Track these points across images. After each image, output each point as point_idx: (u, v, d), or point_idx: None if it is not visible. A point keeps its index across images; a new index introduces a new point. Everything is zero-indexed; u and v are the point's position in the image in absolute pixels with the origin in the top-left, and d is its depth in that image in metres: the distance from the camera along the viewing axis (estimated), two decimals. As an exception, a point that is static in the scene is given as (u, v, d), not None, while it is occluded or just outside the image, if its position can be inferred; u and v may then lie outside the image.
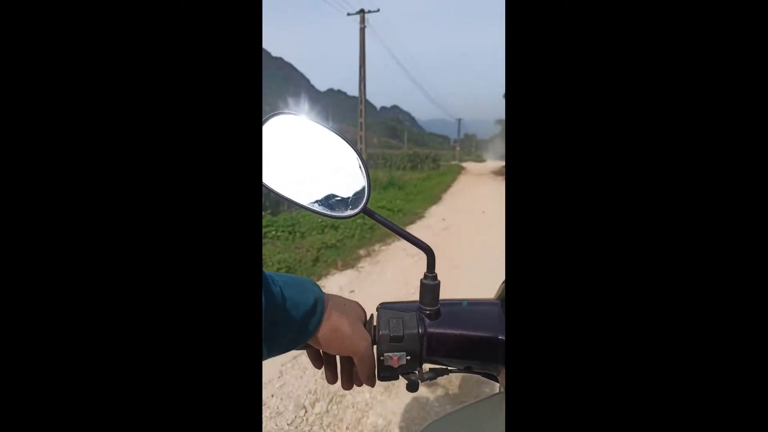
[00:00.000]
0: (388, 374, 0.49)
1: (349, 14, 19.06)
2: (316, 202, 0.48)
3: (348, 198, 0.49)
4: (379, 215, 0.50)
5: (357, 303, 0.52)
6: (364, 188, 0.48)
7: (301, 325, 0.44)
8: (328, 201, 0.49)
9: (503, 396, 0.53)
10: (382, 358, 0.48)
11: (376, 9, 19.72)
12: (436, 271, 0.51)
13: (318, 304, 0.45)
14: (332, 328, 0.46)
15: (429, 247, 0.51)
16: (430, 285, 0.50)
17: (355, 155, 0.49)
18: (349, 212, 0.49)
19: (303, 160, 0.49)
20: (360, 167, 0.49)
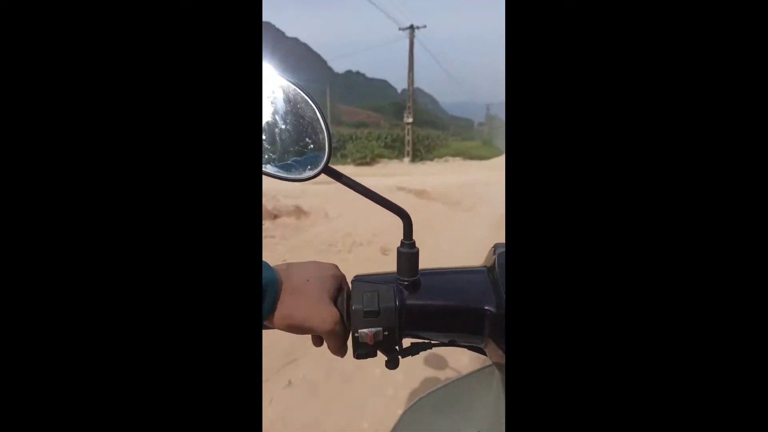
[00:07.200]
0: (365, 351, 0.44)
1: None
2: (268, 163, 0.41)
3: (306, 157, 0.42)
4: (345, 176, 0.43)
5: (330, 269, 0.45)
6: (324, 145, 0.41)
7: None
8: (283, 162, 0.42)
9: (493, 369, 0.49)
10: (356, 334, 0.43)
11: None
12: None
13: (268, 290, 0.39)
14: (287, 312, 0.40)
15: (405, 212, 0.45)
16: (407, 253, 0.45)
17: (313, 107, 0.41)
18: (308, 173, 0.42)
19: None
20: (319, 121, 0.41)
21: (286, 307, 0.40)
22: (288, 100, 0.41)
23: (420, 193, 6.98)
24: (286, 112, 0.41)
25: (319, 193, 5.72)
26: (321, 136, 0.41)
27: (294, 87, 0.41)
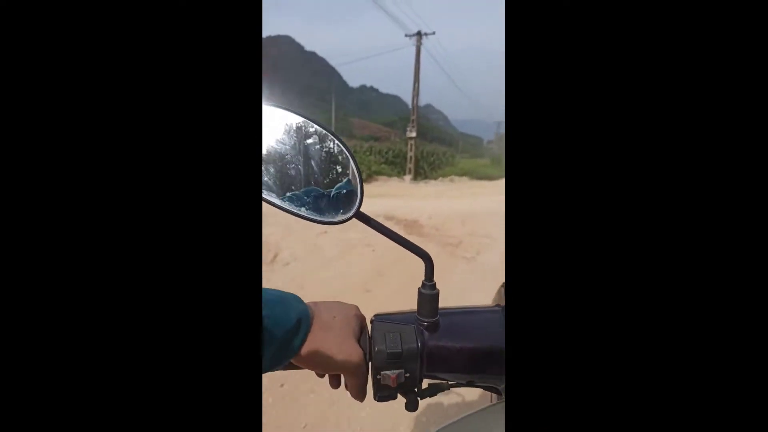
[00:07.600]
0: (386, 394, 0.45)
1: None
2: (304, 206, 0.45)
3: (339, 202, 0.45)
4: (374, 220, 0.46)
5: (353, 309, 0.47)
6: (356, 191, 0.44)
7: (281, 345, 0.40)
8: (318, 205, 0.45)
9: (504, 405, 0.50)
10: (379, 376, 0.43)
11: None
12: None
13: (302, 323, 0.41)
14: (316, 348, 0.42)
15: (428, 255, 0.47)
16: (428, 295, 0.46)
17: (348, 155, 0.45)
18: (341, 217, 0.45)
19: (290, 159, 0.45)
20: (353, 168, 0.45)
21: (316, 342, 0.41)
22: (327, 151, 0.45)
23: (411, 225, 5.37)
24: (323, 160, 0.45)
25: (283, 222, 3.99)
26: (354, 182, 0.45)
27: (334, 139, 0.44)
